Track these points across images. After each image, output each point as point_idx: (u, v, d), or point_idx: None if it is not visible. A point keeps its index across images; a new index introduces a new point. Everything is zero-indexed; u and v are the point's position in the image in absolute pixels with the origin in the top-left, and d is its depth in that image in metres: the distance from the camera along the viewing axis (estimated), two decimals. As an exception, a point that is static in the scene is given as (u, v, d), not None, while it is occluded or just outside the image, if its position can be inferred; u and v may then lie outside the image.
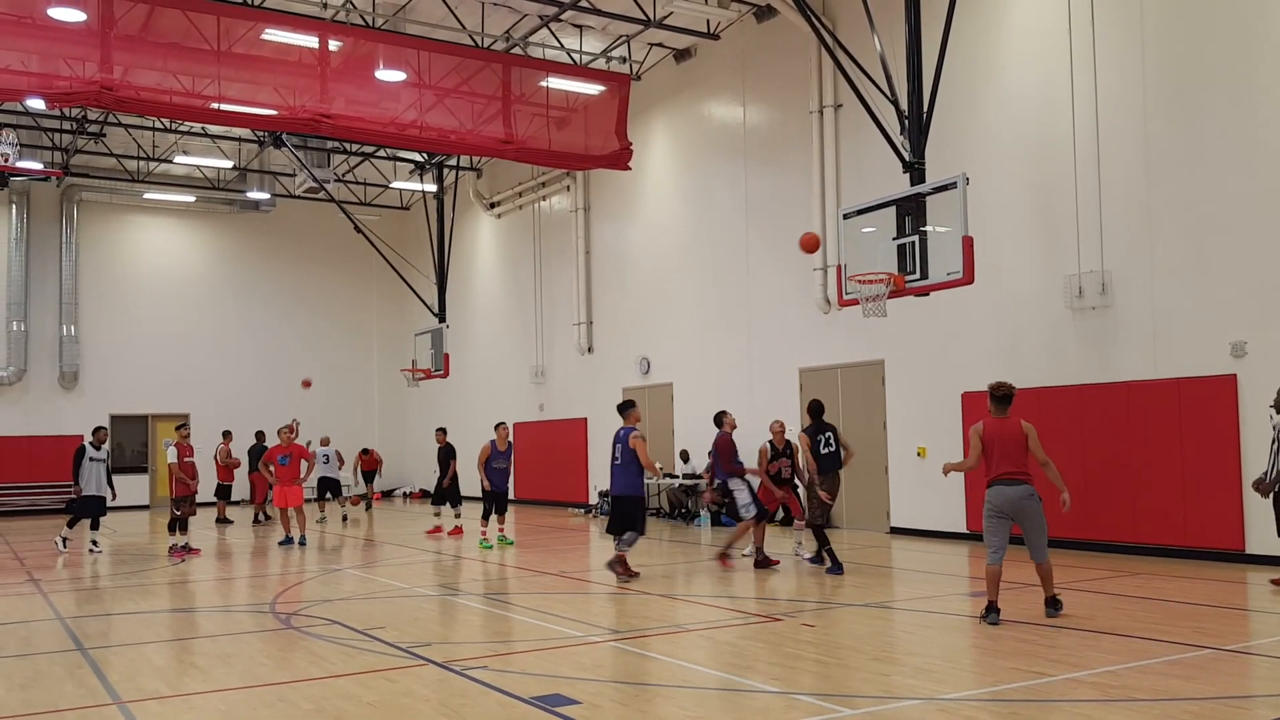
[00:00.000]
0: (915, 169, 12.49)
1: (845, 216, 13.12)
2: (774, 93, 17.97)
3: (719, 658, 7.68)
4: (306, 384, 23.00)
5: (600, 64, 19.66)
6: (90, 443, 15.68)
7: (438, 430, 18.95)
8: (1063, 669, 6.68)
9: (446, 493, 17.89)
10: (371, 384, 30.40)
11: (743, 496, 12.47)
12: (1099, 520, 12.86)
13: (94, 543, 15.91)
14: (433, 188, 27.45)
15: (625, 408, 11.66)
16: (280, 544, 16.43)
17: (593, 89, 18.13)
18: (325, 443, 21.25)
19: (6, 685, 7.15)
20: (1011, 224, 13.94)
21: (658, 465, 11.78)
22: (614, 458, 11.56)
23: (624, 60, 19.97)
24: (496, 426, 15.99)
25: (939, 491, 14.62)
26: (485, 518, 15.95)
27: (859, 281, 12.17)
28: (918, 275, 11.82)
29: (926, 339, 15.08)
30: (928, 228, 11.77)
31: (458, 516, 18.21)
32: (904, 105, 12.64)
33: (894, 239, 12.11)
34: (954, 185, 11.47)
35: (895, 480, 15.61)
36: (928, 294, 12.31)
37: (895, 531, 15.57)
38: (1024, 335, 13.86)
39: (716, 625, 9.08)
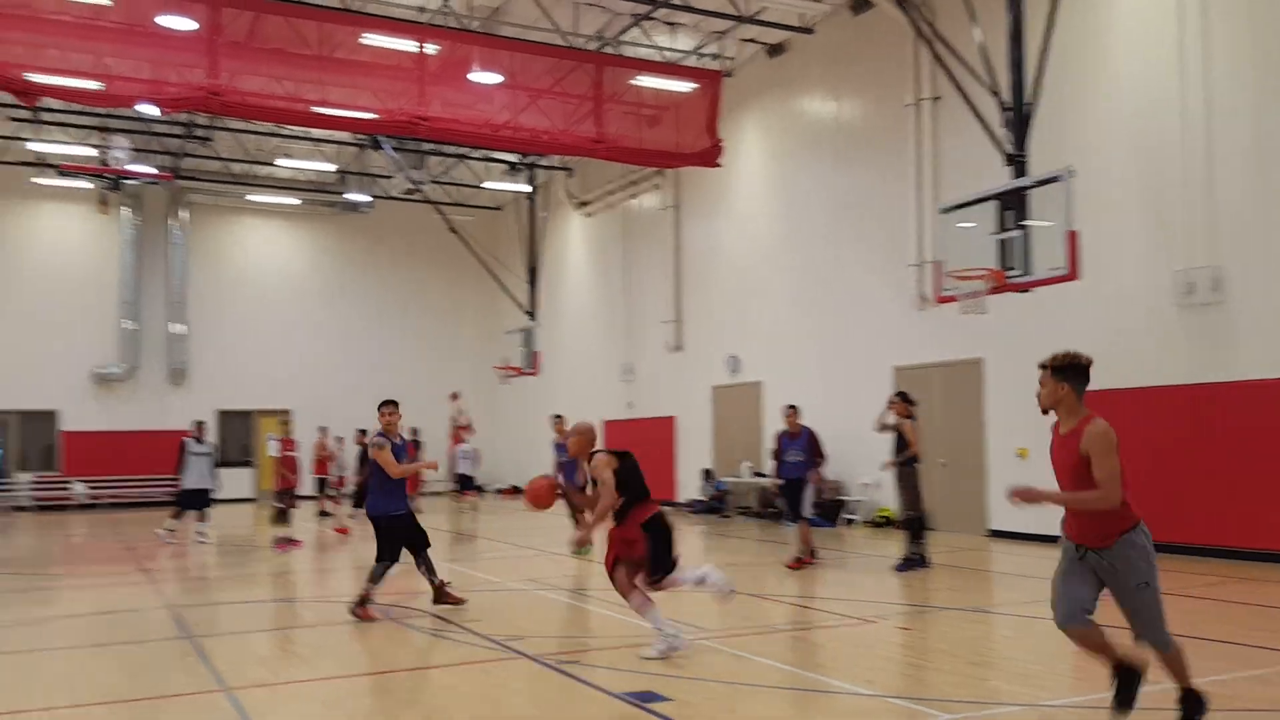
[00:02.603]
0: (1017, 162, 12.15)
1: (943, 211, 12.83)
2: (868, 86, 17.69)
3: (811, 659, 7.58)
4: (455, 396, 23.36)
5: (692, 61, 19.61)
6: (192, 437, 16.25)
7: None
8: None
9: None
10: (465, 381, 30.88)
11: (810, 495, 12.46)
12: (1206, 524, 12.33)
13: (201, 534, 16.46)
14: (525, 188, 27.75)
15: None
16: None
17: (684, 86, 18.10)
18: (459, 439, 21.50)
19: (121, 671, 7.44)
20: (1117, 218, 13.45)
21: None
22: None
23: (715, 57, 19.89)
24: (556, 420, 15.81)
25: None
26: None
27: (958, 278, 11.89)
28: (1019, 271, 11.50)
29: (1027, 337, 14.67)
30: (1030, 222, 11.43)
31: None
32: (1005, 97, 12.30)
33: (993, 234, 11.80)
34: (1058, 178, 11.12)
35: (994, 482, 15.22)
36: (1029, 290, 11.96)
37: (993, 534, 15.19)
38: (1130, 333, 13.36)
39: (809, 626, 8.97)
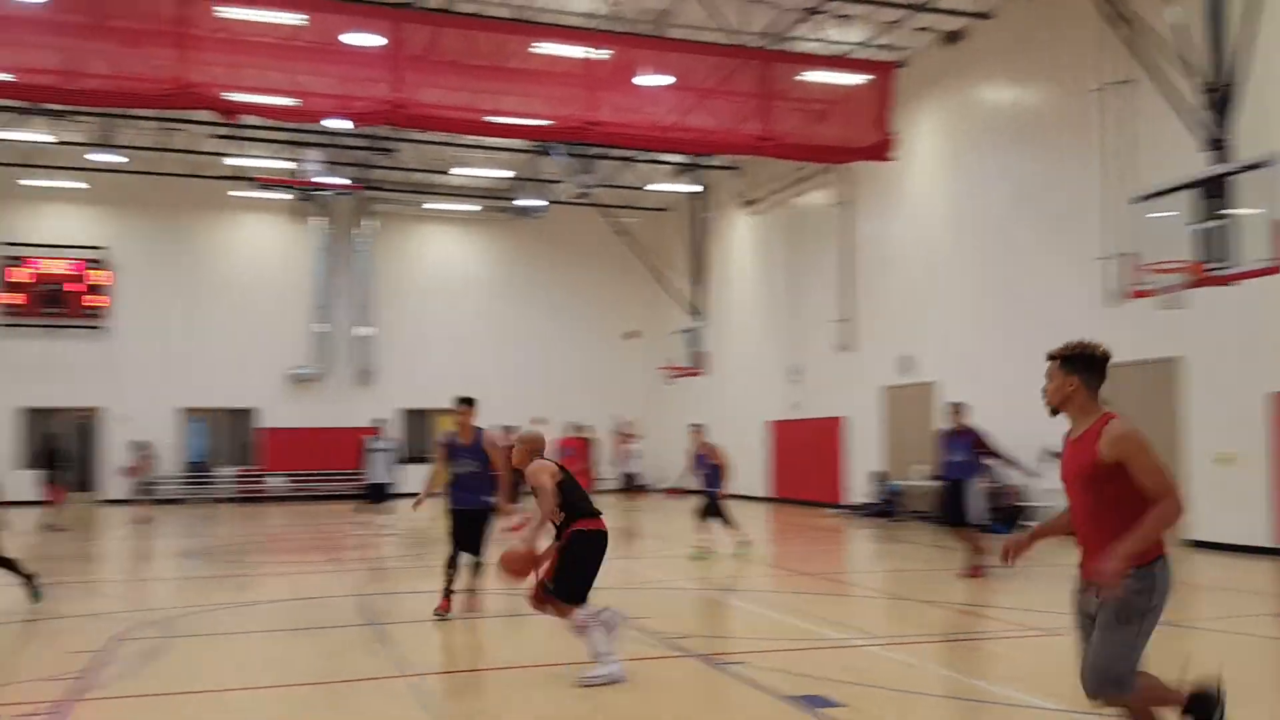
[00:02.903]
0: (1219, 147, 11.32)
1: (1135, 201, 12.09)
2: (1051, 72, 16.86)
3: (992, 669, 7.29)
4: (633, 335, 23.40)
5: (863, 53, 19.18)
6: (373, 434, 17.18)
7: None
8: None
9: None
10: (629, 381, 31.24)
11: (978, 498, 11.82)
12: None
13: (383, 526, 17.28)
14: (691, 188, 27.85)
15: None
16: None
17: (855, 79, 17.71)
18: (625, 440, 21.89)
19: (315, 654, 7.89)
20: (1335, 204, 12.33)
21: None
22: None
23: (888, 48, 19.39)
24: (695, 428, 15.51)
25: (1243, 501, 13.18)
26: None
27: (1154, 271, 11.18)
28: (1221, 263, 10.71)
29: (1231, 334, 13.64)
30: (1233, 211, 10.63)
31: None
32: (1205, 77, 11.49)
33: (1192, 224, 11.04)
34: (1267, 164, 10.30)
35: (1195, 489, 14.24)
36: (1232, 284, 11.12)
37: (1194, 544, 14.20)
38: (1350, 330, 12.23)
39: (990, 636, 8.63)
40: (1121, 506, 4.10)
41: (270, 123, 22.86)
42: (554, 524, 6.83)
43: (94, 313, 26.92)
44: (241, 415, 28.27)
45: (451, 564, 9.22)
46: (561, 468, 6.97)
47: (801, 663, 7.12)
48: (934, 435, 12.20)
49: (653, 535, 17.49)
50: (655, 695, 6.38)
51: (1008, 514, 16.47)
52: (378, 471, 17.04)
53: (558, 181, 27.85)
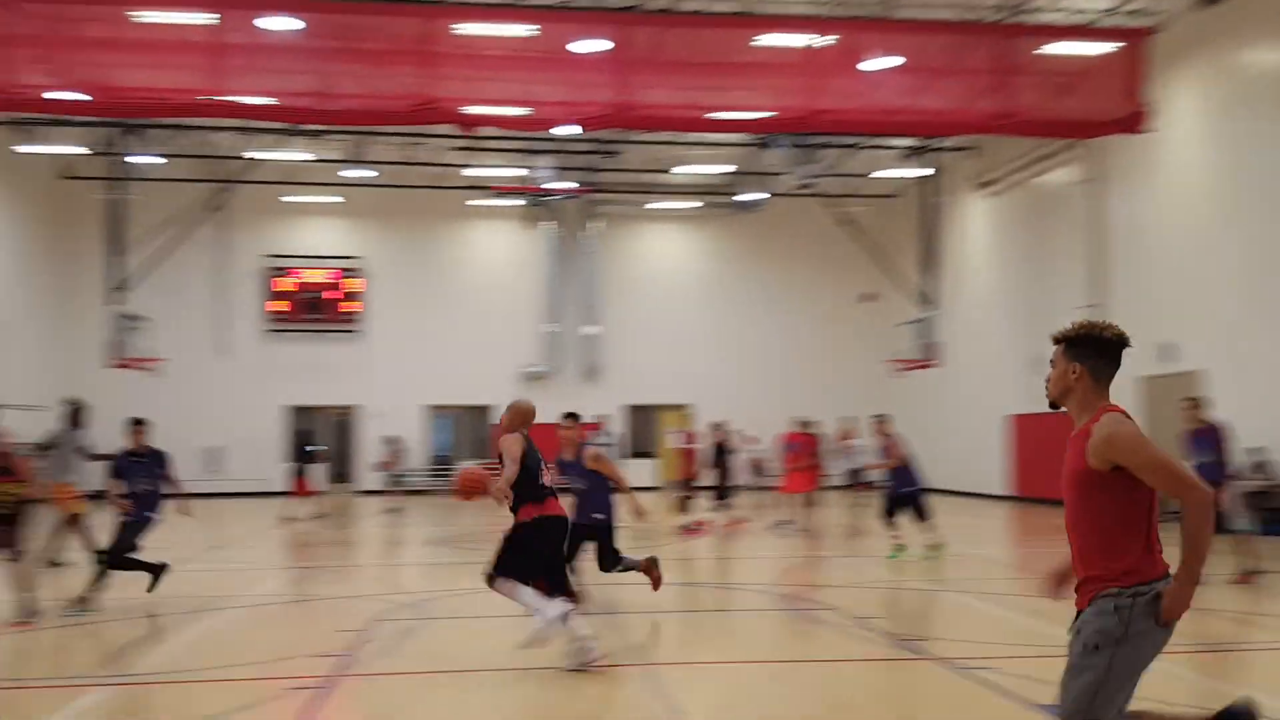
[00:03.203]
0: None
1: None
2: (1332, 27, 15.11)
3: (1268, 682, 6.59)
4: (870, 297, 22.79)
5: (1110, 21, 17.86)
6: (592, 430, 17.63)
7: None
8: None
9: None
10: (853, 374, 30.55)
11: (1235, 500, 10.66)
12: None
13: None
14: (921, 172, 26.89)
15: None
16: (776, 526, 17.07)
17: (1103, 48, 16.50)
18: (848, 436, 21.56)
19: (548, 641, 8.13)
20: None
21: None
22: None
23: (1139, 13, 17.96)
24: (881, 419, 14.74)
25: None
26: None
27: None
28: None
29: None
30: None
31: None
32: None
33: None
34: None
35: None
36: None
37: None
38: None
39: (1264, 646, 7.82)
40: (1106, 518, 3.47)
41: (503, 133, 23.91)
42: (505, 504, 7.00)
43: (349, 317, 29.11)
44: (480, 411, 29.74)
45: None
46: (530, 446, 7.08)
47: (1050, 670, 6.68)
48: (1179, 435, 11.10)
49: (880, 532, 17.02)
50: (893, 697, 6.17)
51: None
52: None
53: (779, 173, 27.60)
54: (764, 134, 22.56)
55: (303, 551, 15.32)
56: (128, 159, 24.50)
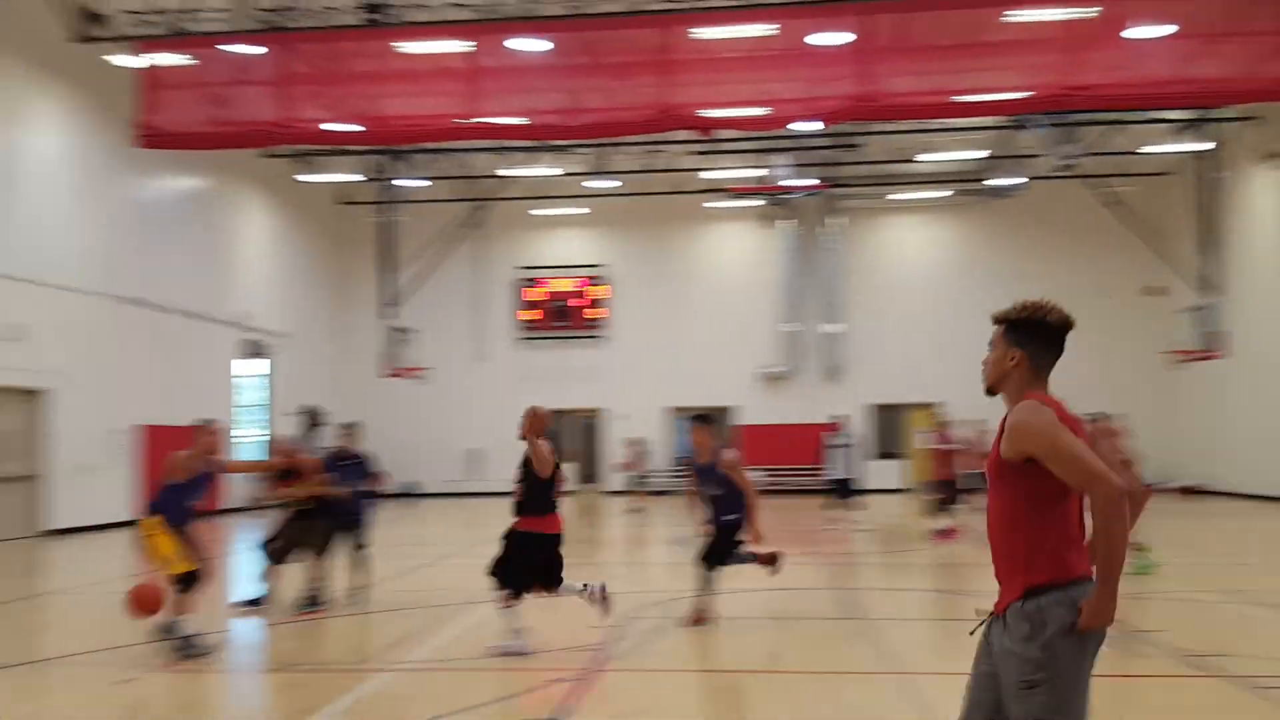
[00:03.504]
0: None
1: None
2: None
3: None
4: (1156, 291, 21.38)
5: None
6: (829, 430, 17.27)
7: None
8: None
9: None
10: (1123, 365, 28.37)
11: None
12: None
13: (855, 522, 17.32)
14: (1198, 146, 24.63)
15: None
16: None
17: None
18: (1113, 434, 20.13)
19: (801, 644, 8.04)
20: None
21: None
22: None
23: None
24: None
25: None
26: None
27: None
28: None
29: None
30: None
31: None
32: None
33: None
34: None
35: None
36: None
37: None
38: None
39: None
40: (1019, 513, 3.15)
41: (740, 133, 23.97)
42: (517, 501, 7.68)
43: (595, 323, 30.11)
44: (721, 413, 29.92)
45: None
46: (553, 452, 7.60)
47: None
48: None
49: (1164, 541, 15.68)
50: (1183, 716, 5.65)
51: None
52: (839, 467, 17.13)
53: (1036, 156, 26.10)
54: (1018, 115, 21.36)
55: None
56: (395, 183, 26.46)
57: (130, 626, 8.29)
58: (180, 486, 7.79)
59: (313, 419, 11.90)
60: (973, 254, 29.67)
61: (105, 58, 18.42)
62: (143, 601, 7.31)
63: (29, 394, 17.58)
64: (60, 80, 18.35)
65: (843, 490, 17.27)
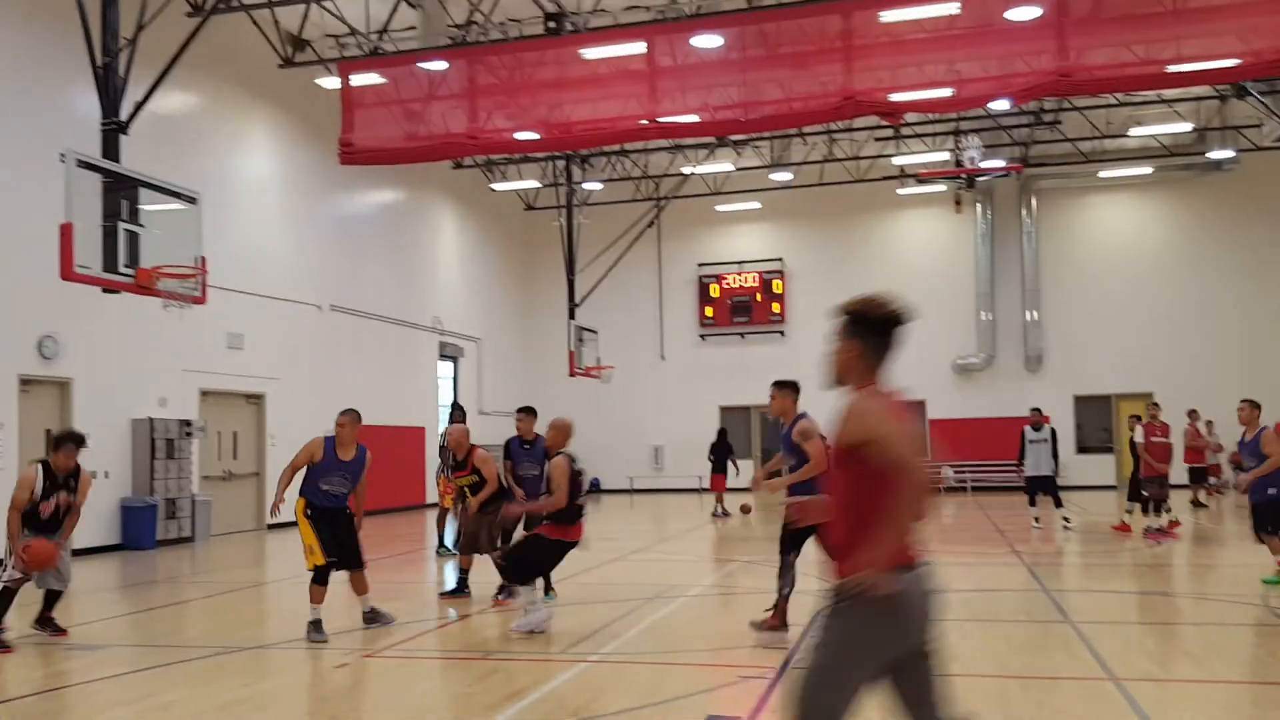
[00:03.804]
0: None
1: None
2: None
3: None
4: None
5: None
6: (1030, 425, 16.46)
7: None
8: None
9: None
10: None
11: None
12: None
13: (1065, 520, 16.46)
14: None
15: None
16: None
17: None
18: None
19: (1007, 648, 7.70)
20: None
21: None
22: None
23: None
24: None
25: None
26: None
27: None
28: None
29: None
30: None
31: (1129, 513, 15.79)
32: None
33: None
34: None
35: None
36: None
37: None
38: None
39: None
40: (850, 499, 3.28)
41: (925, 117, 23.25)
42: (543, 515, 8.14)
43: (774, 319, 29.86)
44: (911, 407, 29.07)
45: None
46: (575, 466, 8.09)
47: None
48: None
49: None
50: None
51: None
52: (1039, 462, 16.33)
53: (1255, 125, 24.15)
54: (1233, 83, 19.79)
55: (740, 545, 15.92)
56: (578, 186, 27.11)
57: (346, 614, 8.81)
58: (314, 470, 8.31)
59: (457, 414, 12.57)
60: (1182, 232, 27.71)
61: (315, 81, 19.72)
62: (37, 557, 7.92)
63: (252, 398, 18.99)
64: (271, 104, 19.74)
65: (1044, 487, 16.49)
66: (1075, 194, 28.31)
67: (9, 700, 6.52)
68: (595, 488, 29.31)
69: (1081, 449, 27.45)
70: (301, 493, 8.38)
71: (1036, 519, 16.56)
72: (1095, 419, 27.77)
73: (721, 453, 20.57)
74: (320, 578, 8.17)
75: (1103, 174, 27.28)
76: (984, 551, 14.12)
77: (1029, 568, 12.06)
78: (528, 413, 10.66)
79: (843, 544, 3.26)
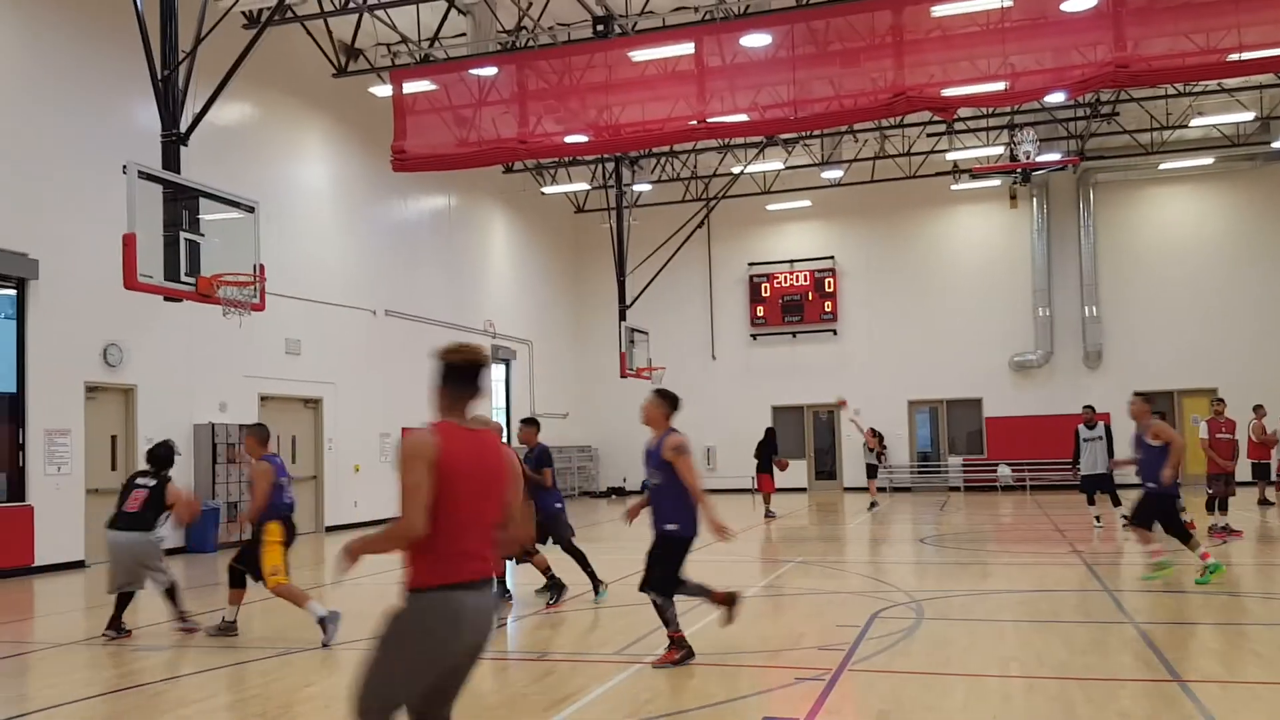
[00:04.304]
0: None
1: None
2: None
3: None
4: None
5: None
6: (1084, 423, 16.18)
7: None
8: None
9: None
10: None
11: None
12: None
13: (1125, 517, 16.17)
14: None
15: None
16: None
17: None
18: None
19: (1069, 649, 7.58)
20: None
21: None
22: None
23: None
24: None
25: None
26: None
27: None
28: None
29: None
30: None
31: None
32: None
33: None
34: None
35: None
36: None
37: None
38: None
39: None
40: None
41: (978, 111, 22.95)
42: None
43: (826, 317, 29.65)
44: (967, 405, 28.72)
45: None
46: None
47: None
48: None
49: None
50: None
51: None
52: (1094, 461, 16.04)
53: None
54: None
55: (793, 547, 15.84)
56: (627, 188, 27.16)
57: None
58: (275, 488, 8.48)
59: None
60: (1245, 224, 27.06)
61: (368, 90, 20.00)
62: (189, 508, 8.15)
63: (310, 402, 19.30)
64: (325, 113, 20.06)
65: (1101, 486, 16.20)
66: (1134, 186, 27.76)
67: (76, 701, 6.70)
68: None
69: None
70: (277, 516, 8.52)
71: (1097, 518, 16.26)
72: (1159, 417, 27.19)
73: (767, 452, 20.28)
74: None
75: (1163, 166, 26.73)
76: (1043, 551, 13.91)
77: (1089, 567, 11.86)
78: (529, 424, 10.76)
79: (410, 551, 3.58)
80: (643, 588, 7.25)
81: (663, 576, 7.14)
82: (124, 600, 8.69)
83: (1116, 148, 26.78)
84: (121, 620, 8.69)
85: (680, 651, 7.10)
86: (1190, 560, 10.84)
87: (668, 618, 7.17)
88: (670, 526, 7.16)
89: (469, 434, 3.69)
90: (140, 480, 8.77)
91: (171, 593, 8.75)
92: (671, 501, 7.19)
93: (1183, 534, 10.48)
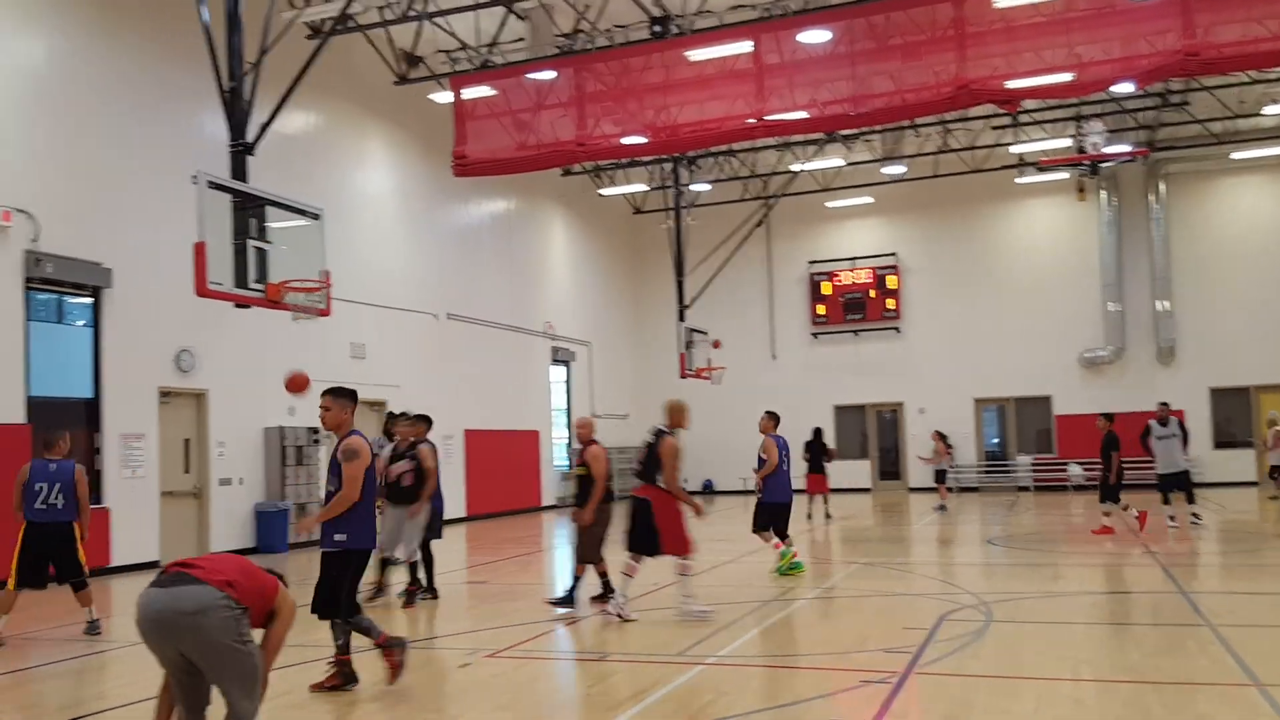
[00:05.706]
0: None
1: None
2: None
3: None
4: None
5: None
6: (1156, 419, 15.83)
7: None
8: None
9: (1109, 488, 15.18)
10: None
11: None
12: None
13: (1195, 516, 15.81)
14: None
15: None
16: None
17: None
18: None
19: (1140, 651, 7.40)
20: None
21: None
22: None
23: None
24: None
25: None
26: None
27: None
28: None
29: None
30: None
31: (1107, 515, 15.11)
32: None
33: None
34: None
35: None
36: None
37: None
38: None
39: None
40: None
41: (1044, 103, 22.51)
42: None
43: (888, 315, 29.30)
44: (1035, 402, 28.17)
45: None
46: None
47: None
48: None
49: None
50: None
51: None
52: (1170, 459, 15.65)
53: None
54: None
55: (858, 548, 15.68)
56: (686, 188, 27.13)
57: (467, 617, 8.99)
58: None
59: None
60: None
61: (428, 96, 20.25)
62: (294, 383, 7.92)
63: (375, 405, 19.59)
64: (386, 120, 20.35)
65: (1177, 484, 15.78)
66: (1206, 177, 26.98)
67: (134, 704, 6.87)
68: (709, 489, 29.24)
69: (1219, 444, 26.15)
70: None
71: (1172, 518, 15.84)
72: (1232, 412, 26.40)
73: (816, 452, 19.82)
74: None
75: (1236, 155, 25.94)
76: (1116, 552, 13.58)
77: (1164, 568, 11.55)
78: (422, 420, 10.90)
79: None
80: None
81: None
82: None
83: (1188, 137, 26.06)
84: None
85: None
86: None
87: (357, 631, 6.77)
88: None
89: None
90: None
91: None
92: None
93: None
